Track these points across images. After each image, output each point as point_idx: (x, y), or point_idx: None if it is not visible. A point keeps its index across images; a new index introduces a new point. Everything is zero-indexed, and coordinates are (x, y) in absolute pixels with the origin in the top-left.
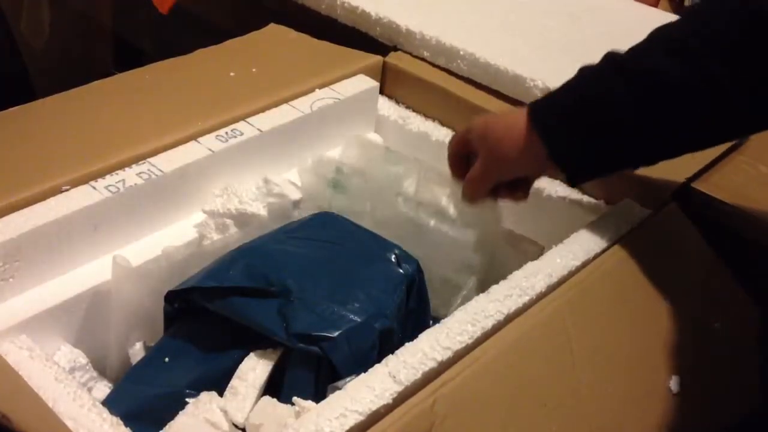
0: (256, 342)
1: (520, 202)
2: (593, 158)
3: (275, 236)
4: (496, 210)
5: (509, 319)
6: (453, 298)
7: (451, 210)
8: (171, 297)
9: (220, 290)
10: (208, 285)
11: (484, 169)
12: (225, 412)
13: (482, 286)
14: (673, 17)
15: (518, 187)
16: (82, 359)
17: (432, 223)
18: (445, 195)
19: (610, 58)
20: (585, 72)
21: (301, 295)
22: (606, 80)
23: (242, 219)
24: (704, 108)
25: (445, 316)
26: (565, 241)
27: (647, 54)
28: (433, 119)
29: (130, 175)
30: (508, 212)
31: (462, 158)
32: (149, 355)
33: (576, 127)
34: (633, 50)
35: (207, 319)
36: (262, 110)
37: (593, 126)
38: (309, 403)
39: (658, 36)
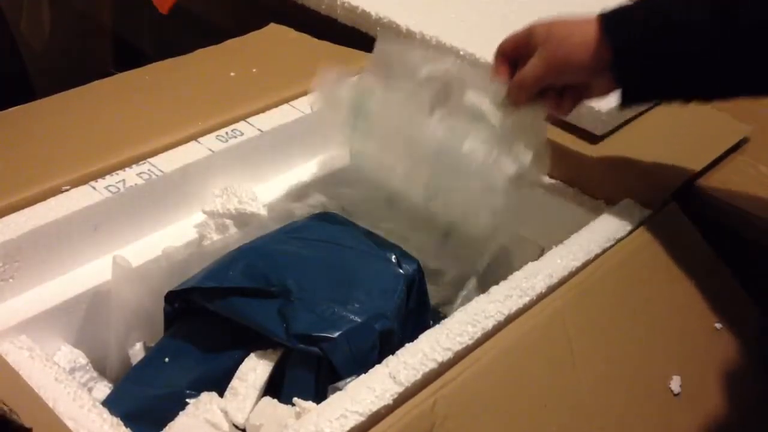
0: (256, 342)
1: (563, 115)
2: (657, 80)
3: (275, 236)
4: (541, 118)
5: (509, 319)
6: (454, 296)
7: (493, 119)
8: (171, 297)
9: (220, 290)
10: (208, 285)
11: (541, 65)
12: (225, 413)
13: (482, 287)
14: None
15: (566, 98)
16: (82, 359)
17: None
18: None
19: None
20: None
21: (301, 295)
22: (690, 6)
23: (242, 219)
24: None
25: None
26: (565, 242)
27: None
28: None
29: (130, 175)
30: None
31: (510, 60)
32: (149, 356)
33: (648, 45)
34: None
35: (207, 320)
36: (262, 110)
37: (667, 48)
38: (309, 404)
39: None
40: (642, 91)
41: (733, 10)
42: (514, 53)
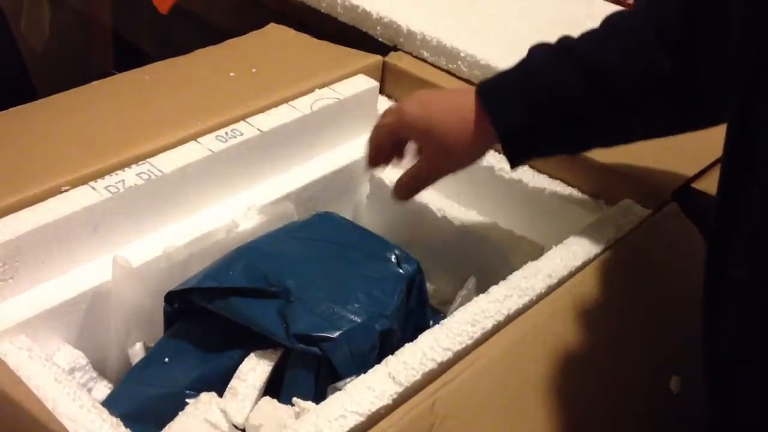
0: (256, 342)
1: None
2: (540, 138)
3: (275, 236)
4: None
5: (509, 319)
6: (453, 296)
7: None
8: (171, 297)
9: (220, 291)
10: (207, 285)
11: (432, 167)
12: (225, 413)
13: (482, 287)
14: None
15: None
16: (82, 360)
17: None
18: None
19: (563, 41)
20: (536, 52)
21: (301, 295)
22: (557, 62)
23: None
24: (648, 98)
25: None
26: (565, 242)
27: (597, 40)
28: None
29: (130, 176)
30: (508, 212)
31: (390, 148)
32: (149, 356)
33: (526, 104)
34: (585, 35)
35: (207, 320)
36: (262, 110)
37: (544, 105)
38: (308, 404)
39: (611, 23)
40: (527, 149)
41: (575, 50)
42: (393, 141)
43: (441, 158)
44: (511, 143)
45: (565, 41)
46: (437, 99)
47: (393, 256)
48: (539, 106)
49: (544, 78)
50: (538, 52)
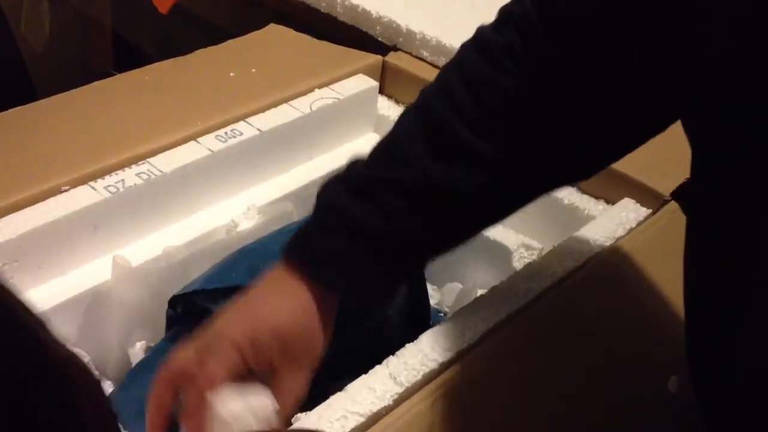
0: None
1: None
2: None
3: (277, 237)
4: None
5: (509, 319)
6: (454, 296)
7: None
8: (174, 301)
9: (222, 291)
10: (211, 287)
11: (301, 381)
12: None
13: (482, 287)
14: None
15: None
16: (84, 358)
17: None
18: None
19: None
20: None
21: None
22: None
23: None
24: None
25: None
26: (564, 241)
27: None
28: None
29: (130, 175)
30: None
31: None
32: (147, 359)
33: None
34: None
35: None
36: (262, 110)
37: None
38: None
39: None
40: (377, 285)
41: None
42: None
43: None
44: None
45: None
46: (241, 322)
47: None
48: (382, 253)
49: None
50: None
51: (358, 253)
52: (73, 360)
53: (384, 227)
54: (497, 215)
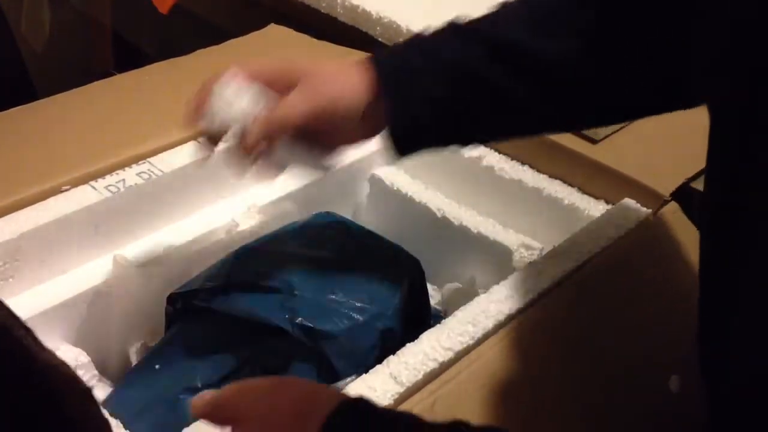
0: (256, 345)
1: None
2: (432, 121)
3: (276, 237)
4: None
5: (510, 319)
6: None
7: None
8: (173, 299)
9: (221, 288)
10: (210, 285)
11: (304, 101)
12: None
13: (482, 287)
14: None
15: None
16: (84, 357)
17: None
18: None
19: (461, 27)
20: (439, 43)
21: (303, 293)
22: (458, 42)
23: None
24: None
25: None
26: (564, 241)
27: (505, 26)
28: None
29: (130, 175)
30: (508, 212)
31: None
32: (146, 358)
33: (422, 84)
34: (487, 21)
35: (207, 321)
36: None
37: (440, 89)
38: None
39: (511, 10)
40: (415, 136)
41: (483, 35)
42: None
43: (321, 99)
44: (401, 137)
45: (466, 27)
46: (327, 62)
47: (394, 256)
48: (439, 101)
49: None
50: (443, 37)
51: (422, 69)
52: (61, 368)
53: (458, 58)
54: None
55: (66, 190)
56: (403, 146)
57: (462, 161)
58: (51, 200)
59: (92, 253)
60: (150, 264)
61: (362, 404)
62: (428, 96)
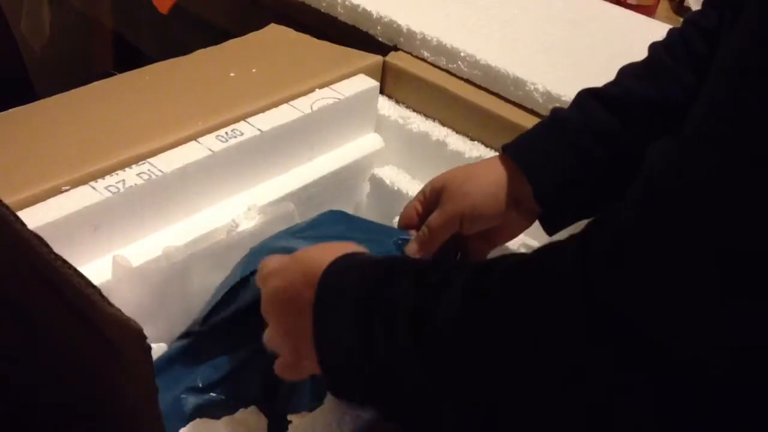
0: (254, 346)
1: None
2: (580, 203)
3: (283, 236)
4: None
5: None
6: None
7: None
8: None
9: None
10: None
11: (441, 216)
12: None
13: None
14: (667, 26)
15: (474, 246)
16: None
17: None
18: None
19: (586, 94)
20: (561, 112)
21: None
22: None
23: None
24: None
25: None
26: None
27: (621, 86)
28: (434, 119)
29: (130, 175)
30: None
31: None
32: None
33: (567, 178)
34: (610, 89)
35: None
36: (262, 110)
37: (576, 163)
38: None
39: (629, 71)
40: (567, 215)
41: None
42: (423, 208)
43: (458, 210)
44: (550, 198)
45: (588, 92)
46: (461, 167)
47: (401, 241)
48: (579, 149)
49: (577, 121)
50: (561, 112)
51: (553, 137)
52: (130, 324)
53: (583, 122)
54: None
55: (66, 190)
56: (553, 224)
57: (462, 162)
58: (51, 200)
59: (92, 254)
60: (150, 264)
61: (360, 253)
62: (569, 180)
